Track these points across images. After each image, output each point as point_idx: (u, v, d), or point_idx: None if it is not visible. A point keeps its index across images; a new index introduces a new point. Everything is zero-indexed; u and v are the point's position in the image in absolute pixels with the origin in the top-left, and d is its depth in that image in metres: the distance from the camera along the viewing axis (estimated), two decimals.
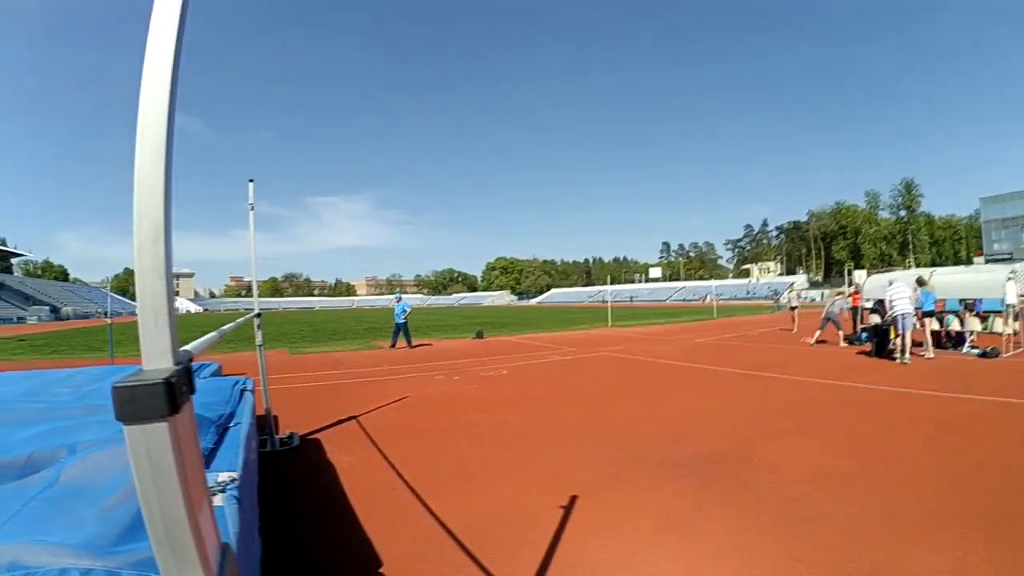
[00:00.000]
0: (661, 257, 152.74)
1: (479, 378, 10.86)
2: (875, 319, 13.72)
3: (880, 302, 13.46)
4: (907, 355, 11.32)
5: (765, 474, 4.72)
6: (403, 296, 18.66)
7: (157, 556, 0.71)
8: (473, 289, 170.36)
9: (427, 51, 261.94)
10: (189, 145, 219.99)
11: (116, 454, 1.93)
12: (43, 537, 1.39)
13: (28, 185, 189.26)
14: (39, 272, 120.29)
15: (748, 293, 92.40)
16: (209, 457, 2.37)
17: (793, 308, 21.74)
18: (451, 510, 4.11)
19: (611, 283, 45.17)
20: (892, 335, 12.33)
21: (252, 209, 5.96)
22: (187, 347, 1.03)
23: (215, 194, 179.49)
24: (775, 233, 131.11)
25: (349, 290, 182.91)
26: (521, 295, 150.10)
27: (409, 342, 17.77)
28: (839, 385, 9.12)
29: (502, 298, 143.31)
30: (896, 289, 11.87)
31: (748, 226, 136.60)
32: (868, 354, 12.89)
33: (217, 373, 5.42)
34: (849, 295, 17.28)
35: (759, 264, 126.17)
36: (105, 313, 19.63)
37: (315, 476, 5.03)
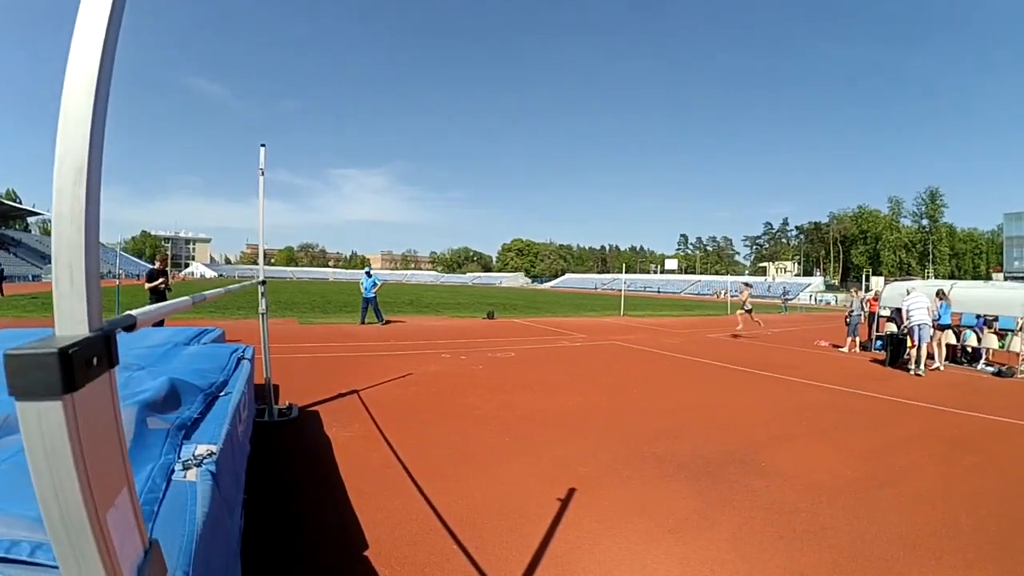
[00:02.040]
0: (678, 249, 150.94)
1: (486, 359, 10.79)
2: (891, 327, 13.63)
3: (897, 310, 13.41)
4: (922, 366, 11.27)
5: (771, 481, 4.61)
6: (373, 271, 18.17)
7: (56, 555, 0.60)
8: (488, 269, 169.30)
9: (453, 30, 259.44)
10: (212, 111, 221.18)
11: None
12: (1, 507, 1.31)
13: (47, 142, 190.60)
14: None
15: (768, 290, 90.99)
16: (192, 428, 2.28)
17: (749, 311, 18.05)
18: (446, 494, 4.04)
19: (626, 272, 44.74)
20: (908, 345, 12.20)
21: (262, 174, 5.87)
22: (133, 312, 0.91)
23: (236, 162, 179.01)
24: (794, 233, 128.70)
25: (364, 263, 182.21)
26: (535, 278, 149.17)
27: (379, 318, 17.37)
28: (851, 392, 8.96)
29: (516, 280, 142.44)
30: (914, 299, 11.85)
31: (768, 224, 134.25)
32: (882, 363, 12.76)
33: (219, 340, 5.34)
34: (857, 296, 16.52)
35: (776, 263, 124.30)
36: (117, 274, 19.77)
37: (310, 450, 4.97)
